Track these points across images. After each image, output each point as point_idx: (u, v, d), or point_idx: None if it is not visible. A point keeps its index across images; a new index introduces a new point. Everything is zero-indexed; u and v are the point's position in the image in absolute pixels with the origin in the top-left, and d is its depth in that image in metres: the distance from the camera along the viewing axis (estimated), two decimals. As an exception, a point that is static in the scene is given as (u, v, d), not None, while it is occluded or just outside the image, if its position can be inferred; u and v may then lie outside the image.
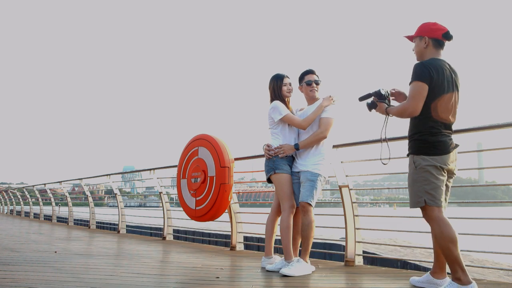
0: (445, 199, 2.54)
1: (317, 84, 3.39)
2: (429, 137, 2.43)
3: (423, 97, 2.40)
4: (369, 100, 2.72)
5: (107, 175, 7.75)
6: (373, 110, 2.71)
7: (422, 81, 2.40)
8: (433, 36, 2.52)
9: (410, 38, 2.65)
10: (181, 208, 5.19)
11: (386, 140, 2.70)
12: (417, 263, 6.47)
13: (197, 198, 4.78)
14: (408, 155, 2.56)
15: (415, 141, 2.49)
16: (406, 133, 2.66)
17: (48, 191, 11.84)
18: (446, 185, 2.53)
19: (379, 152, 2.74)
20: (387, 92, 2.67)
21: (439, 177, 2.42)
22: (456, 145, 2.51)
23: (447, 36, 2.52)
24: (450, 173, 2.53)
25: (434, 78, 2.39)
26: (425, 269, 6.33)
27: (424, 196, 2.41)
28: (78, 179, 9.10)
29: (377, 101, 2.67)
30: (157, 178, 6.21)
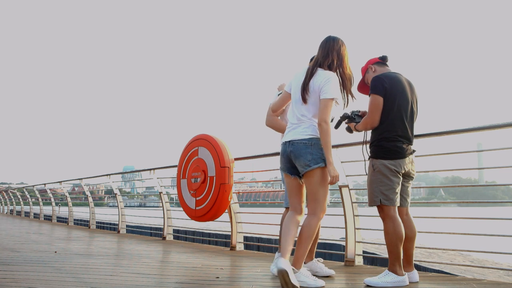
0: (406, 199, 2.81)
1: None
2: (386, 143, 2.69)
3: (379, 109, 2.68)
4: (345, 124, 2.98)
5: (107, 175, 7.75)
6: (353, 132, 2.99)
7: (377, 94, 2.68)
8: (373, 63, 2.91)
9: (363, 78, 2.96)
10: (181, 208, 5.20)
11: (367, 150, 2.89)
12: (417, 263, 6.46)
13: (197, 198, 4.78)
14: (368, 159, 2.81)
15: (374, 147, 2.75)
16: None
17: (48, 191, 11.85)
18: (406, 186, 2.80)
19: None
20: (353, 112, 2.92)
21: (393, 179, 2.66)
22: (413, 151, 2.77)
23: (383, 58, 2.90)
24: (407, 176, 2.78)
25: (388, 89, 2.67)
26: (425, 269, 6.35)
27: (379, 196, 2.67)
28: (78, 179, 9.11)
29: (347, 123, 2.95)
30: (157, 178, 6.22)
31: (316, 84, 2.59)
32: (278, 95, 3.04)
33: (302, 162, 2.57)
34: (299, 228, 2.68)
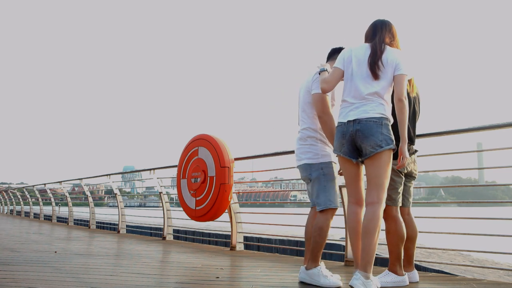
0: (408, 199, 2.81)
1: None
2: None
3: None
4: None
5: (107, 175, 7.75)
6: None
7: None
8: None
9: None
10: (181, 208, 5.19)
11: None
12: (417, 263, 6.45)
13: (197, 198, 4.78)
14: None
15: None
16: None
17: (48, 191, 11.85)
18: (408, 186, 2.81)
19: None
20: None
21: (396, 179, 2.66)
22: (415, 151, 2.78)
23: None
24: (410, 176, 2.80)
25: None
26: (425, 269, 6.34)
27: None
28: (78, 179, 9.11)
29: None
30: (157, 178, 6.22)
31: (390, 58, 2.43)
32: (320, 72, 2.68)
33: (373, 142, 2.34)
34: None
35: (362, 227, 2.38)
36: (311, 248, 2.70)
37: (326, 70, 2.64)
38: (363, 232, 2.36)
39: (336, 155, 2.61)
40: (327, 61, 2.94)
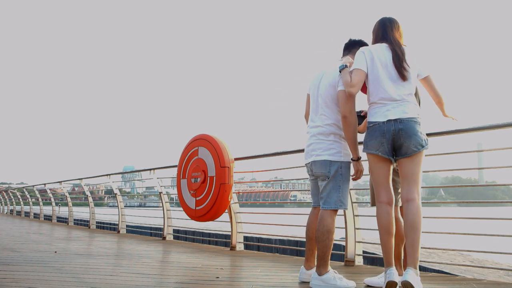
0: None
1: None
2: None
3: None
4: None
5: (107, 175, 7.75)
6: None
7: None
8: None
9: None
10: (181, 208, 5.20)
11: None
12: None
13: (197, 198, 4.78)
14: None
15: None
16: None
17: (48, 191, 11.86)
18: None
19: None
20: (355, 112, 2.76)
21: (396, 179, 2.67)
22: None
23: None
24: None
25: None
26: (425, 269, 6.34)
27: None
28: (78, 179, 9.11)
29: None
30: (157, 178, 6.22)
31: (412, 59, 2.48)
32: (343, 68, 2.61)
33: (415, 142, 2.38)
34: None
35: (409, 223, 2.37)
36: (321, 253, 2.64)
37: (347, 66, 2.60)
38: (410, 228, 2.35)
39: (370, 154, 2.53)
40: (345, 53, 2.86)
